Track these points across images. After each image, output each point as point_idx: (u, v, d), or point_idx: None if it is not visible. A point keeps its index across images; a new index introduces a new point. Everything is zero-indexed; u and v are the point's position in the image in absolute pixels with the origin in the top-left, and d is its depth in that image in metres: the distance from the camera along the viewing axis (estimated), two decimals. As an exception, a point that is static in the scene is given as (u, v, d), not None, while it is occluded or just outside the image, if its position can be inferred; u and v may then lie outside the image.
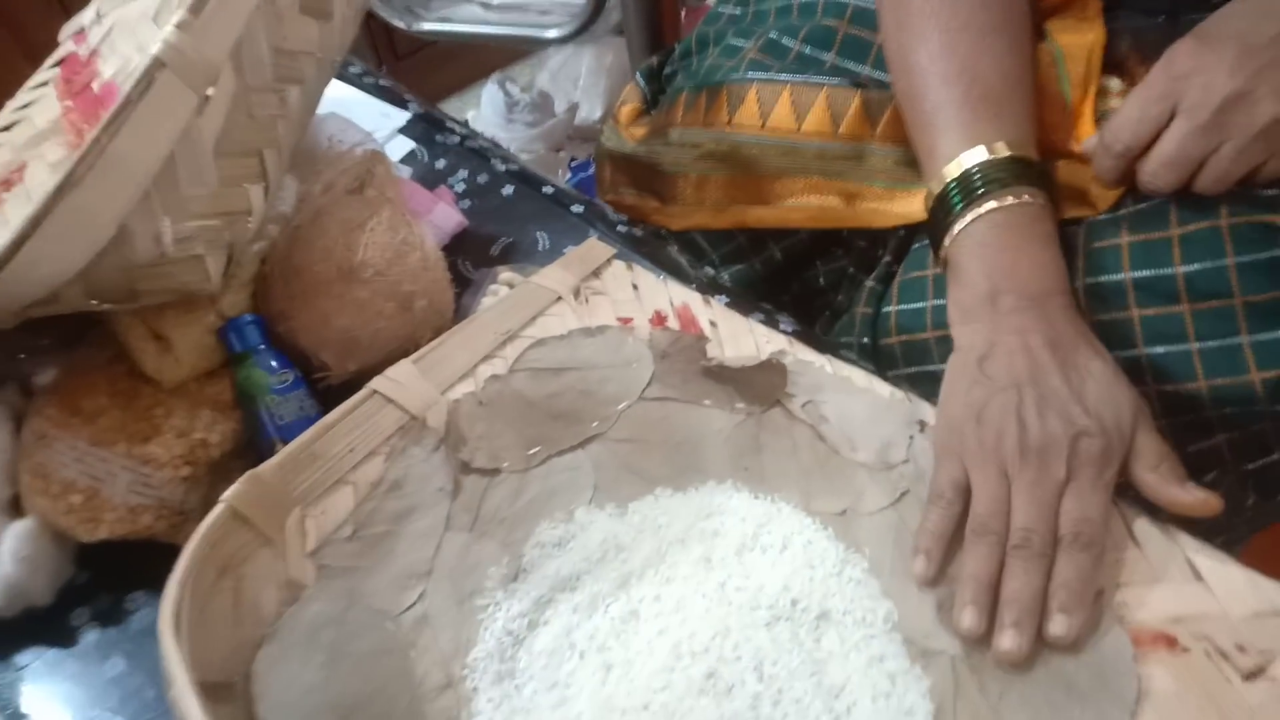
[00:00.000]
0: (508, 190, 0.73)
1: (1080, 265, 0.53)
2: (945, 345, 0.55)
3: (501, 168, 0.75)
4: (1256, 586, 0.43)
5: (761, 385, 0.54)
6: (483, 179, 0.74)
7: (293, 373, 0.53)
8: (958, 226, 0.52)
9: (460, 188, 0.74)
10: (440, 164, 0.76)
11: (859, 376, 0.54)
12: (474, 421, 0.52)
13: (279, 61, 0.50)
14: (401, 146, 0.77)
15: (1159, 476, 0.45)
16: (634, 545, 0.49)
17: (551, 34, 0.96)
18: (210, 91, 0.45)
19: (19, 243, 0.40)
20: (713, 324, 0.58)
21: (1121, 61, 0.57)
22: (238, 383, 0.53)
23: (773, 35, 0.68)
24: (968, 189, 0.52)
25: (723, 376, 0.54)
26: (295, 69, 0.52)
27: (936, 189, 0.54)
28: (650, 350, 0.56)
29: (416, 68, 1.55)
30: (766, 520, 0.49)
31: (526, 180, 0.73)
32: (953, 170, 0.53)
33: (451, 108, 1.65)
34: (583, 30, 0.94)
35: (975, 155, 0.53)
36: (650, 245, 0.68)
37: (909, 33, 0.57)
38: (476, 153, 0.77)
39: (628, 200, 0.77)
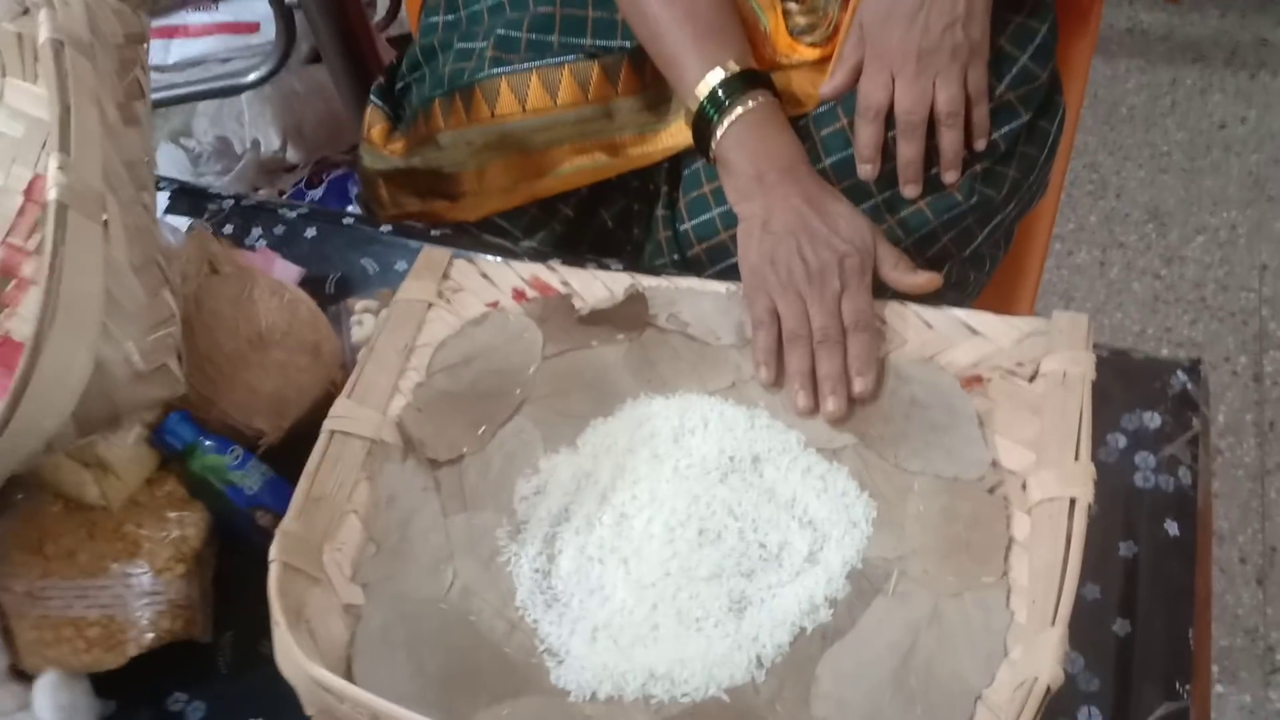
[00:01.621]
0: (310, 232, 0.77)
1: (818, 150, 0.70)
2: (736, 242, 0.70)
3: (292, 214, 0.79)
4: (1008, 323, 0.63)
5: (630, 316, 0.66)
6: (279, 230, 0.78)
7: (238, 447, 0.57)
8: (719, 132, 0.68)
9: (262, 245, 0.77)
10: (229, 229, 0.78)
11: (694, 283, 0.68)
12: (422, 426, 0.60)
13: (130, 174, 0.53)
14: (179, 226, 0.78)
15: (899, 272, 0.64)
16: (596, 468, 0.59)
17: (251, 78, 0.97)
18: (105, 218, 0.48)
19: (14, 403, 0.42)
20: (565, 283, 0.68)
21: (790, -15, 0.74)
22: (192, 475, 0.56)
23: (500, 32, 0.78)
24: (716, 102, 0.68)
25: (598, 319, 0.65)
26: (141, 177, 0.55)
27: (694, 107, 0.69)
28: (531, 319, 0.65)
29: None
30: (683, 411, 0.62)
31: (324, 218, 0.78)
32: (702, 90, 0.68)
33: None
34: (280, 67, 0.96)
35: (715, 76, 0.68)
36: (467, 239, 0.76)
37: None
38: (258, 209, 0.80)
39: (414, 209, 0.84)
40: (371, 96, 0.86)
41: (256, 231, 0.78)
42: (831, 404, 0.60)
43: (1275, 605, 1.07)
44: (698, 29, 0.69)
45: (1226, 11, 1.65)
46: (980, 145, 0.69)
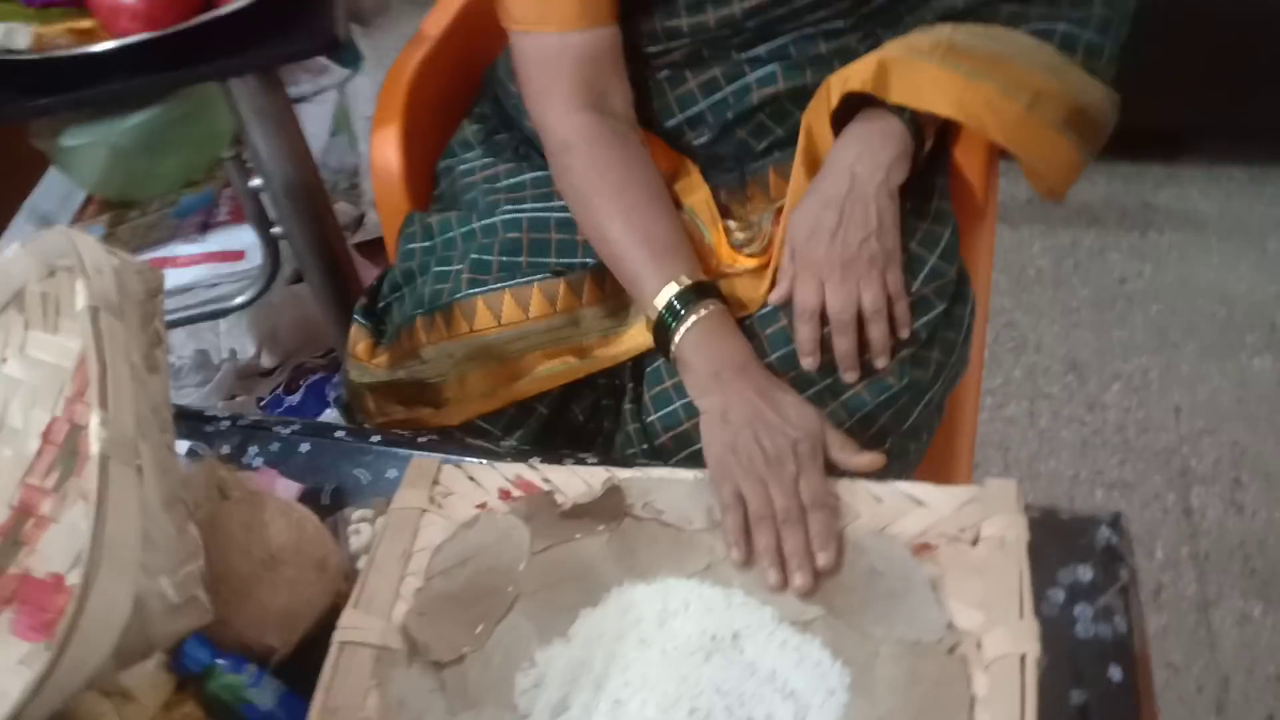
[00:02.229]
0: (304, 448, 0.83)
1: (765, 346, 0.79)
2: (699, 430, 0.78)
3: (286, 431, 0.84)
4: (946, 493, 0.70)
5: (609, 507, 0.72)
6: (275, 447, 0.83)
7: (252, 665, 0.61)
8: (677, 337, 0.77)
9: (260, 462, 0.82)
10: (226, 449, 0.83)
11: (665, 473, 0.74)
12: (424, 629, 0.64)
13: (155, 417, 0.59)
14: (179, 449, 0.83)
15: (845, 453, 0.72)
16: (589, 658, 0.64)
17: (237, 301, 1.05)
18: (139, 462, 0.54)
19: (62, 646, 0.46)
20: (546, 480, 0.74)
21: (725, 206, 0.85)
22: (209, 695, 0.60)
23: (474, 256, 0.87)
24: (673, 311, 0.77)
25: (579, 513, 0.71)
26: (164, 418, 0.61)
27: (654, 316, 0.78)
28: (518, 518, 0.71)
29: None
30: (664, 595, 0.67)
31: (317, 432, 0.84)
32: (660, 302, 0.77)
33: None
34: (265, 290, 1.04)
35: (671, 289, 0.77)
36: (451, 442, 0.82)
37: (598, 215, 0.81)
38: (253, 428, 0.85)
39: (400, 417, 0.90)
40: (355, 316, 0.94)
41: (253, 450, 0.83)
42: (799, 579, 0.65)
43: (1238, 732, 1.12)
44: (654, 249, 0.79)
45: (1112, 179, 1.84)
46: (904, 334, 0.79)
